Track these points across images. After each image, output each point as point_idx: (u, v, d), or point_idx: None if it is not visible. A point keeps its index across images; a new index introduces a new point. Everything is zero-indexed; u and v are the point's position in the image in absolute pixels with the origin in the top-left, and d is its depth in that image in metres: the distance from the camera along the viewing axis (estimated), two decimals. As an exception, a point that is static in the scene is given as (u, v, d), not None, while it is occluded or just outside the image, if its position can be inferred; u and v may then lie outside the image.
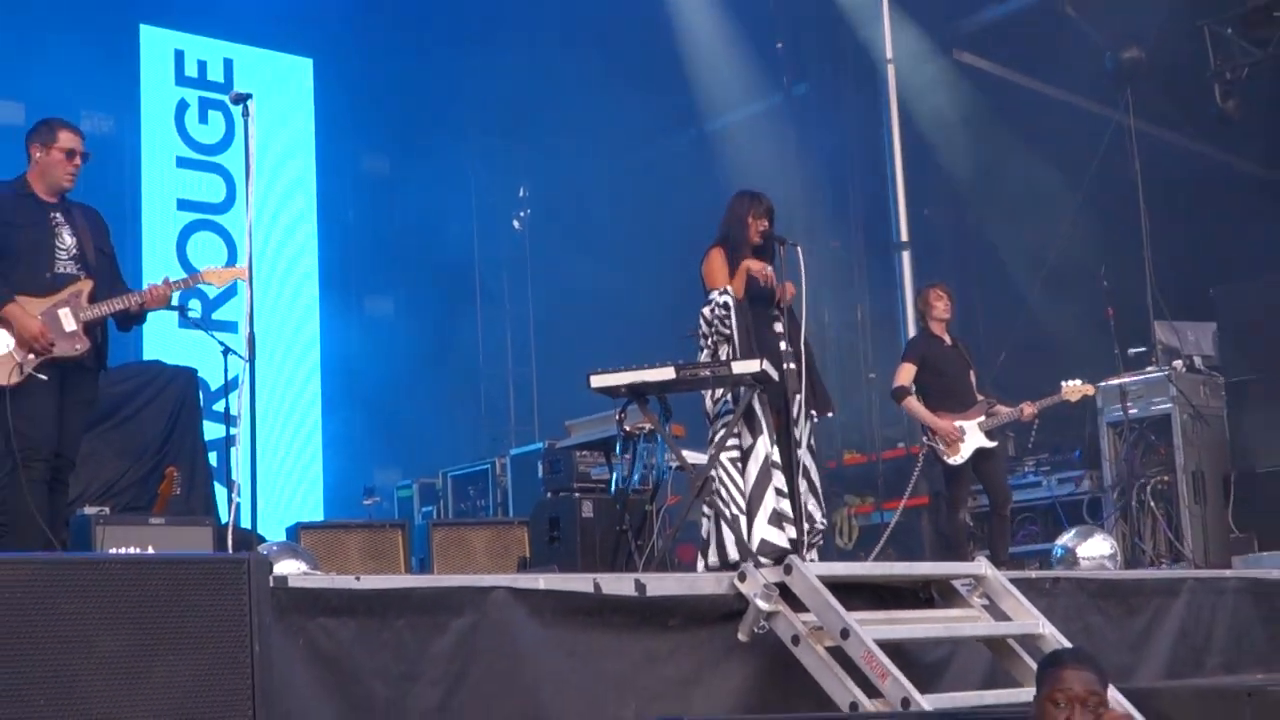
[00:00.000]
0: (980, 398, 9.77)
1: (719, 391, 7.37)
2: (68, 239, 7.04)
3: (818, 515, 7.34)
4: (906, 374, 9.79)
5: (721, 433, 7.26)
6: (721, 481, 7.21)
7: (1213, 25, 11.79)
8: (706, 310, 7.51)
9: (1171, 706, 5.56)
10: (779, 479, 7.22)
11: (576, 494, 9.94)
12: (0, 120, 12.46)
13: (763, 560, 6.84)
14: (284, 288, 14.45)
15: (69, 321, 6.88)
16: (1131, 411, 11.39)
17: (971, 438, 9.54)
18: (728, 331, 7.42)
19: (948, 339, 9.96)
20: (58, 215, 7.07)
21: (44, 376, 6.81)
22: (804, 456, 7.41)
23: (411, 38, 15.41)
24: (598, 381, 7.32)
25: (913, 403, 9.70)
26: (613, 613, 5.50)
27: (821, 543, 7.71)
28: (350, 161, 15.90)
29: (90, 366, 7.08)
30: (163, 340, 12.23)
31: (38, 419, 6.80)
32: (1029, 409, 9.87)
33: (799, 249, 7.57)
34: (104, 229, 7.30)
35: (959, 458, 9.56)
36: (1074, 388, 10.04)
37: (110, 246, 7.29)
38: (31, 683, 3.52)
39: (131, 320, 7.18)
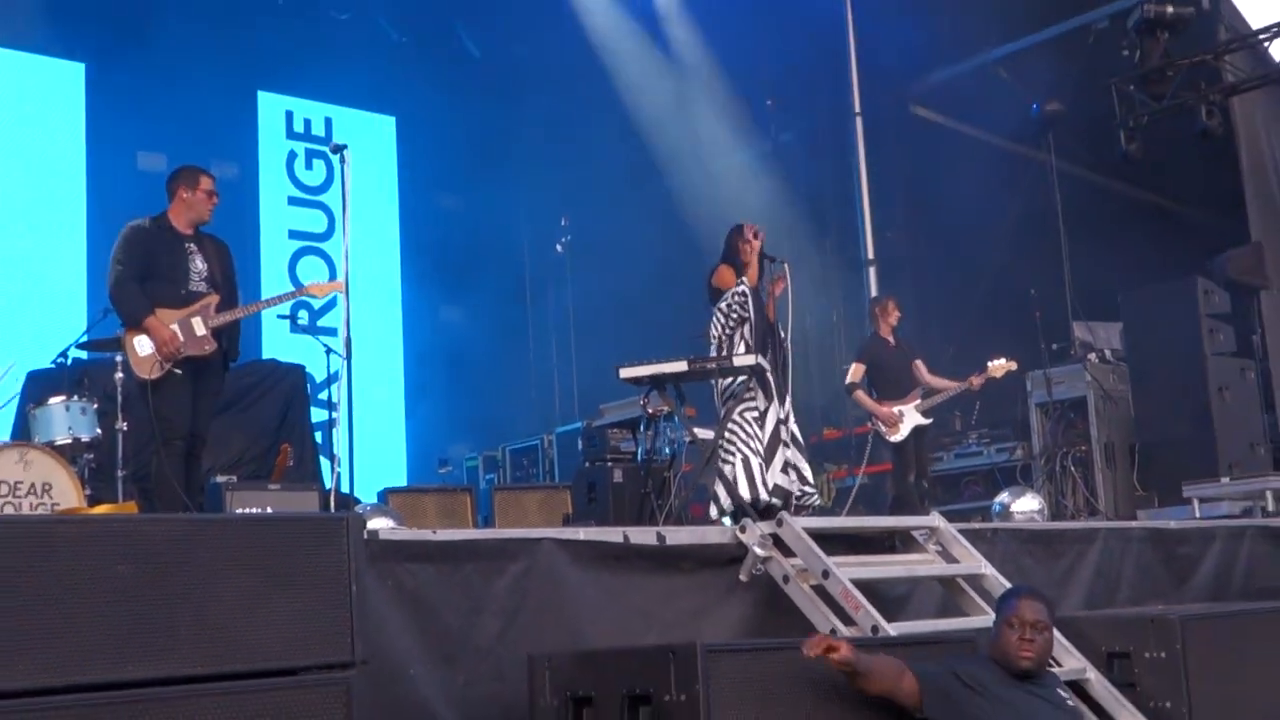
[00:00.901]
0: (920, 384, 9.88)
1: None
2: (200, 264, 7.08)
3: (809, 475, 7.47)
4: (856, 373, 9.98)
5: (742, 397, 7.30)
6: (746, 433, 7.25)
7: (1118, 82, 11.73)
8: (723, 304, 7.56)
9: (1089, 631, 5.55)
10: (786, 434, 7.30)
11: (609, 463, 9.93)
12: (147, 167, 12.53)
13: (775, 502, 6.90)
14: (374, 299, 14.43)
15: (200, 327, 6.93)
16: (1055, 394, 11.38)
17: (909, 419, 9.73)
18: (747, 314, 7.46)
19: (893, 340, 10.08)
20: (192, 245, 7.11)
21: (179, 371, 6.85)
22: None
23: (474, 99, 15.40)
24: (626, 373, 7.34)
25: (859, 395, 9.92)
26: (638, 558, 5.49)
27: (817, 503, 7.74)
28: (426, 197, 15.89)
29: (217, 363, 7.12)
30: (278, 343, 12.28)
31: (174, 405, 6.85)
32: (976, 380, 10.10)
33: (786, 265, 7.60)
34: (228, 255, 7.34)
35: (899, 435, 9.75)
36: (999, 365, 10.15)
37: (232, 269, 7.33)
38: (176, 617, 3.53)
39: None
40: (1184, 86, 11.49)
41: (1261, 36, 11.59)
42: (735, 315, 7.46)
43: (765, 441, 7.26)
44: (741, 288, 7.50)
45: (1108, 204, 13.56)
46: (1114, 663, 5.42)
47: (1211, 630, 5.55)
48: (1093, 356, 11.65)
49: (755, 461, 7.18)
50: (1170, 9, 11.24)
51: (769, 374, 7.38)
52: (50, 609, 3.33)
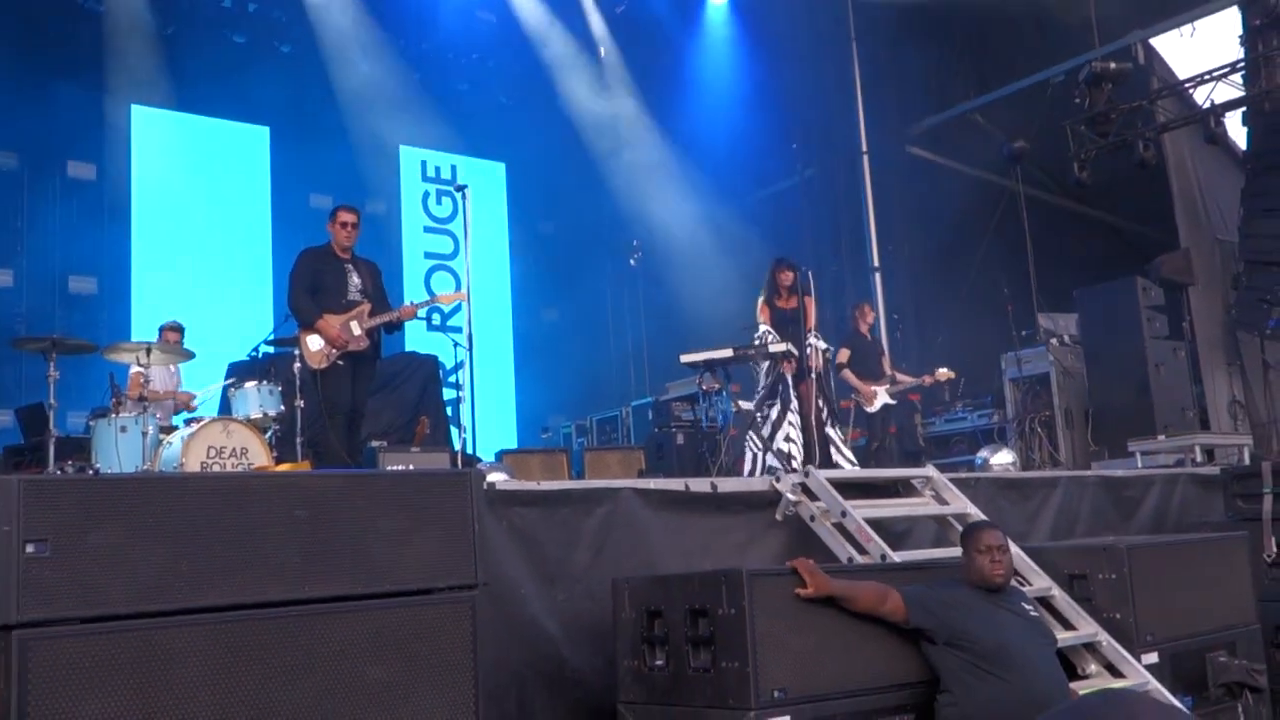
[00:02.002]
0: (888, 373, 9.96)
1: (762, 375, 7.46)
2: (355, 280, 7.16)
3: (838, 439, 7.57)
4: (844, 355, 10.06)
5: (758, 399, 7.39)
6: (758, 427, 7.30)
7: (1072, 123, 11.55)
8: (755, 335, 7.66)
9: (1053, 558, 5.46)
10: (787, 427, 7.36)
11: (673, 429, 9.94)
12: (317, 206, 12.73)
13: (784, 465, 6.91)
14: (490, 304, 14.54)
15: (356, 329, 7.00)
16: (1024, 371, 11.23)
17: (880, 397, 9.72)
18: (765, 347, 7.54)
19: (869, 337, 10.14)
20: (349, 265, 7.19)
21: (341, 362, 6.93)
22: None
23: (564, 146, 15.43)
24: (685, 358, 7.36)
25: (848, 374, 10.00)
26: (697, 503, 5.45)
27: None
28: (529, 224, 15.95)
29: (370, 356, 7.20)
30: (417, 339, 12.38)
31: (338, 388, 6.94)
32: (928, 379, 10.13)
33: (809, 273, 7.56)
34: (378, 272, 7.42)
35: (873, 408, 9.73)
36: (943, 372, 10.19)
37: (381, 283, 7.40)
38: (339, 548, 3.56)
39: (394, 329, 7.29)
40: (1124, 126, 11.31)
41: (1187, 85, 11.45)
42: (760, 348, 7.55)
43: (767, 434, 7.45)
44: (763, 327, 7.66)
45: (1065, 220, 13.40)
46: (1074, 582, 5.33)
47: (1152, 556, 5.44)
48: (1054, 341, 11.49)
49: (757, 454, 7.42)
50: (1112, 65, 11.16)
51: (788, 376, 7.45)
52: (246, 543, 3.38)
